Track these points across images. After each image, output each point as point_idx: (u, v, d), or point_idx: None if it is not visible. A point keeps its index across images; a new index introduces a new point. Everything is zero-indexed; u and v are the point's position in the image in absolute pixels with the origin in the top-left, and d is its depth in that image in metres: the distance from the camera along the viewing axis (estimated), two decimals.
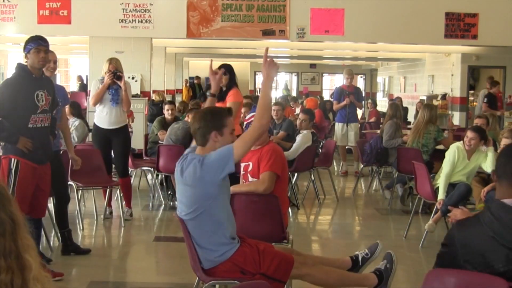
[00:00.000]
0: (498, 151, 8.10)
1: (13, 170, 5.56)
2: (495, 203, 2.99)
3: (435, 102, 16.75)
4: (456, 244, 3.03)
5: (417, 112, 14.75)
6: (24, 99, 5.51)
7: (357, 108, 13.27)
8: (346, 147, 12.95)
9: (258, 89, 29.90)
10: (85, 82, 21.18)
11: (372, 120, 16.45)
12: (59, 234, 6.84)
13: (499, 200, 2.99)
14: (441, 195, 7.11)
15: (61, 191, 6.73)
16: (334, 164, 12.68)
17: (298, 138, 9.62)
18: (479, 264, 2.95)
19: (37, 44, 5.60)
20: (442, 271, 3.10)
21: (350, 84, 12.87)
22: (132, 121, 11.06)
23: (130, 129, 9.68)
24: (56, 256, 6.66)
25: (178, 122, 9.77)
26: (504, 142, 5.67)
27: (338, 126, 12.89)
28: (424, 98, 18.44)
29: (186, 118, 9.86)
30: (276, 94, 27.98)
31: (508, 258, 2.90)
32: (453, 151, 7.34)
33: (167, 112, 10.38)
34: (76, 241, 6.91)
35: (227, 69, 7.56)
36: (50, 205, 7.09)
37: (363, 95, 21.77)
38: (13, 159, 5.57)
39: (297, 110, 15.55)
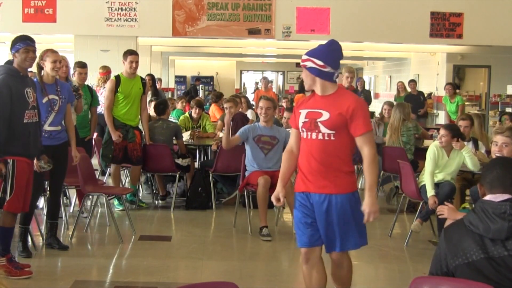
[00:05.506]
0: (478, 151, 8.15)
1: (10, 171, 5.63)
2: (478, 202, 3.13)
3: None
4: (442, 244, 3.22)
5: None
6: (17, 96, 5.66)
7: None
8: None
9: (243, 88, 29.90)
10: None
11: None
12: (43, 230, 6.98)
13: (482, 199, 3.21)
14: (430, 192, 7.13)
15: (59, 182, 6.86)
16: None
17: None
18: (456, 254, 3.12)
19: (26, 44, 5.72)
20: (427, 279, 3.17)
21: (350, 85, 10.98)
22: None
23: None
24: (40, 255, 6.66)
25: (157, 121, 9.51)
26: (496, 139, 5.65)
27: None
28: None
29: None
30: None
31: (478, 244, 3.09)
32: (432, 150, 7.40)
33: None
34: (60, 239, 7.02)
35: None
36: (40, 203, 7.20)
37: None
38: (9, 160, 5.65)
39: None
